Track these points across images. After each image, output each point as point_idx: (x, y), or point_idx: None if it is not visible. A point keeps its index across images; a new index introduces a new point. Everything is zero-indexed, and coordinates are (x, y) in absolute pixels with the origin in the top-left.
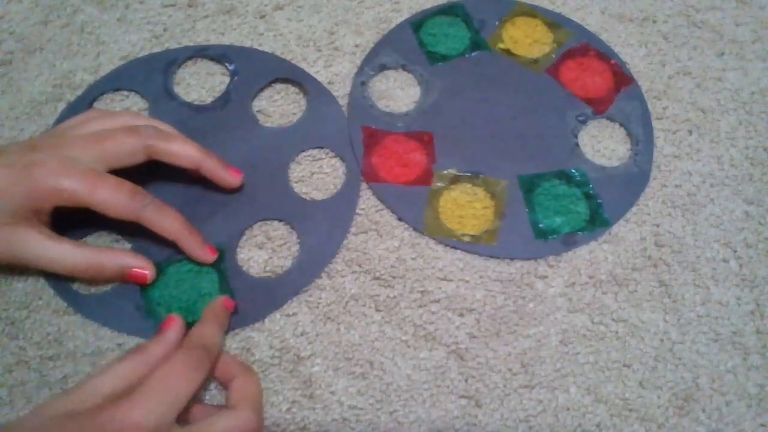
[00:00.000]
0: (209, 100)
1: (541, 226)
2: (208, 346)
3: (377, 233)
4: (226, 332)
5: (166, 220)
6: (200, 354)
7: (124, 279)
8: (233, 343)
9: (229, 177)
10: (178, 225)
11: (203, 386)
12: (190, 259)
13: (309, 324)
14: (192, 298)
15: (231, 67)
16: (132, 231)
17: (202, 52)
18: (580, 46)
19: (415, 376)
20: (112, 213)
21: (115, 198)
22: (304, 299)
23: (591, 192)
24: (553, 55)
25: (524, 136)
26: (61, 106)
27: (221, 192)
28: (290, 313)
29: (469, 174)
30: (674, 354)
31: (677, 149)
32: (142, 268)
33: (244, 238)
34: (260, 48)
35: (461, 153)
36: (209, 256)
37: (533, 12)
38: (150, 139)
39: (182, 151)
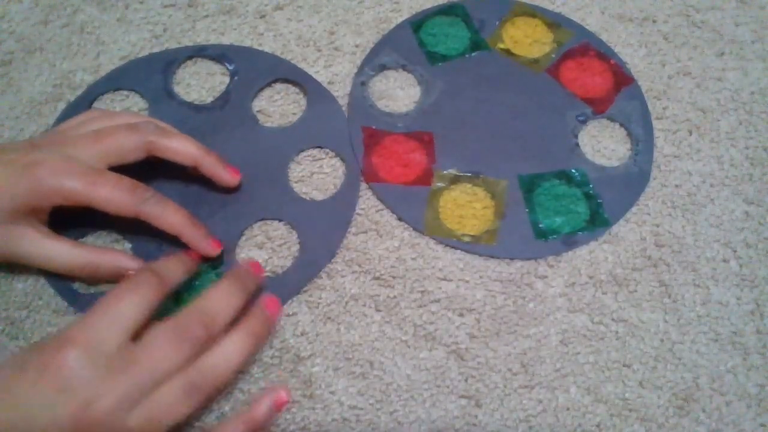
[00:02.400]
0: (209, 100)
1: (541, 226)
2: (154, 269)
3: (377, 233)
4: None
5: (168, 214)
6: (145, 275)
7: (120, 280)
8: None
9: (228, 176)
10: (180, 218)
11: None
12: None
13: (309, 324)
14: (192, 298)
15: (231, 67)
16: (132, 231)
17: (201, 52)
18: (580, 46)
19: (415, 376)
20: (113, 209)
21: (116, 194)
22: (304, 299)
23: (591, 192)
24: (553, 55)
25: (524, 136)
26: (61, 106)
27: (221, 192)
28: (290, 313)
29: (469, 174)
30: (674, 354)
31: (677, 149)
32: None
33: (244, 238)
34: (260, 48)
35: (461, 153)
36: (214, 249)
37: (533, 12)
38: (150, 135)
39: (182, 147)
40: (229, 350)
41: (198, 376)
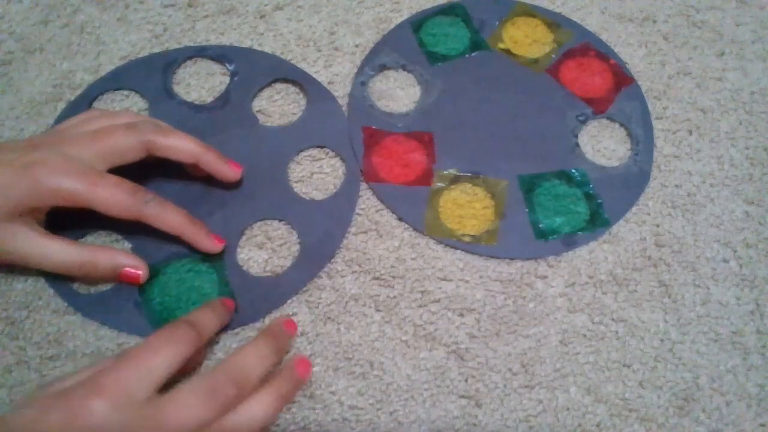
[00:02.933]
0: (209, 100)
1: (541, 226)
2: (192, 322)
3: (377, 233)
4: (227, 328)
5: (169, 215)
6: (183, 329)
7: (118, 278)
8: (233, 342)
9: (229, 170)
10: (181, 218)
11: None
12: (193, 257)
13: (309, 324)
14: (192, 298)
15: (231, 68)
16: (131, 230)
17: (201, 52)
18: (580, 46)
19: (415, 376)
20: (114, 212)
21: (116, 197)
22: (304, 299)
23: (591, 192)
24: (553, 55)
25: (524, 136)
26: (61, 106)
27: (220, 192)
28: (290, 313)
29: (469, 174)
30: (674, 354)
31: (677, 149)
32: (136, 267)
33: (244, 237)
34: (260, 48)
35: (461, 153)
36: (216, 246)
37: (533, 12)
38: (148, 134)
39: (181, 145)
40: (255, 410)
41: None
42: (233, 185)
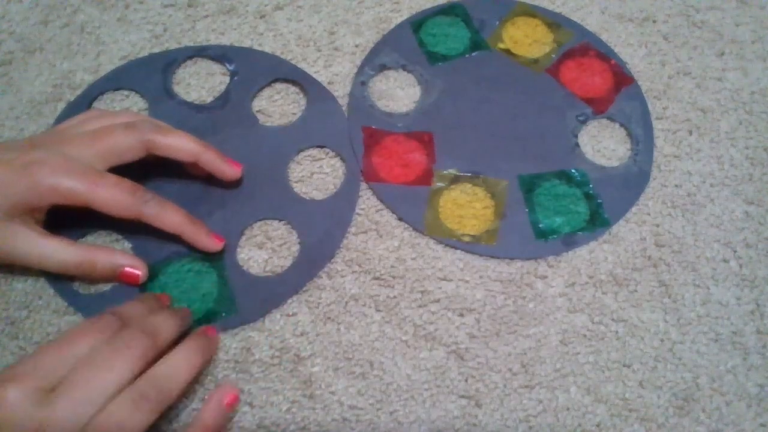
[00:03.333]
0: (209, 100)
1: (541, 226)
2: (116, 311)
3: (377, 233)
4: (226, 328)
5: (168, 214)
6: (105, 318)
7: (117, 278)
8: (233, 342)
9: (229, 169)
10: (180, 217)
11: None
12: (193, 256)
13: (309, 324)
14: (192, 298)
15: (231, 67)
16: (132, 230)
17: (201, 52)
18: (580, 46)
19: (415, 376)
20: (114, 212)
21: (116, 197)
22: (304, 299)
23: (591, 192)
24: (553, 55)
25: (524, 136)
26: (61, 106)
27: (220, 191)
28: (290, 313)
29: (469, 174)
30: (674, 354)
31: (677, 149)
32: (135, 267)
33: (244, 238)
34: (260, 48)
35: (461, 153)
36: (216, 244)
37: (533, 12)
38: (148, 133)
39: (180, 144)
40: (178, 361)
41: (147, 386)
42: (233, 184)
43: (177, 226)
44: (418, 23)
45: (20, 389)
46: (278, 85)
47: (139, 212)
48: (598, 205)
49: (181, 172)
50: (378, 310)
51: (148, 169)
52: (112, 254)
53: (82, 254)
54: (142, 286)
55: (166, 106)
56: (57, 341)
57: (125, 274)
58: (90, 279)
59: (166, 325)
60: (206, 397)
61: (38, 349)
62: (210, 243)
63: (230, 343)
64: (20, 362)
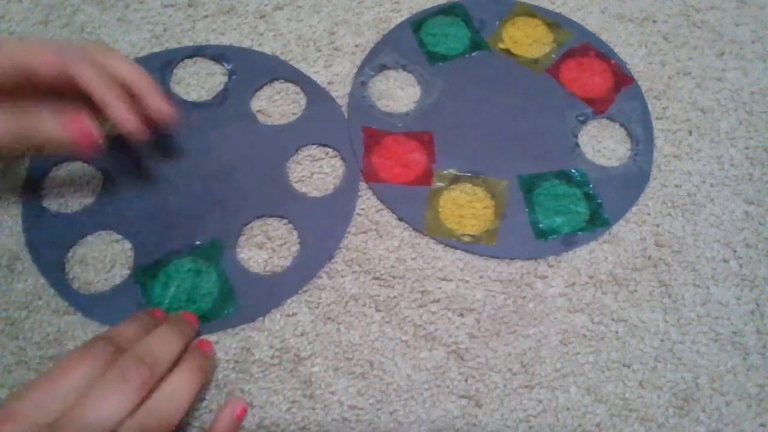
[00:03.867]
0: (208, 99)
1: (541, 226)
2: (108, 337)
3: (377, 233)
4: (226, 329)
5: (119, 62)
6: (98, 344)
7: (70, 142)
8: (233, 342)
9: (164, 106)
10: (132, 67)
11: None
12: (194, 255)
13: (309, 324)
14: (192, 297)
15: (228, 67)
16: (132, 229)
17: (201, 52)
18: (580, 46)
19: (415, 376)
20: (42, 67)
21: (41, 49)
22: (304, 299)
23: (591, 192)
24: (553, 55)
25: (524, 136)
26: None
27: (220, 191)
28: (290, 313)
29: (469, 174)
30: (674, 354)
31: (677, 149)
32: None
33: (244, 237)
34: (260, 48)
35: (461, 153)
36: (168, 110)
37: (533, 12)
38: (71, 58)
39: (91, 79)
40: (176, 384)
41: (149, 417)
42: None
43: (128, 75)
44: (418, 23)
45: (18, 429)
46: (278, 85)
47: (65, 65)
48: (598, 205)
49: (181, 171)
50: (378, 310)
51: (147, 171)
52: (55, 116)
53: (22, 119)
54: (142, 287)
55: None
56: (49, 373)
57: (78, 132)
58: (32, 150)
59: (164, 349)
60: (217, 408)
61: (31, 384)
62: (163, 107)
63: (230, 343)
64: (14, 398)
